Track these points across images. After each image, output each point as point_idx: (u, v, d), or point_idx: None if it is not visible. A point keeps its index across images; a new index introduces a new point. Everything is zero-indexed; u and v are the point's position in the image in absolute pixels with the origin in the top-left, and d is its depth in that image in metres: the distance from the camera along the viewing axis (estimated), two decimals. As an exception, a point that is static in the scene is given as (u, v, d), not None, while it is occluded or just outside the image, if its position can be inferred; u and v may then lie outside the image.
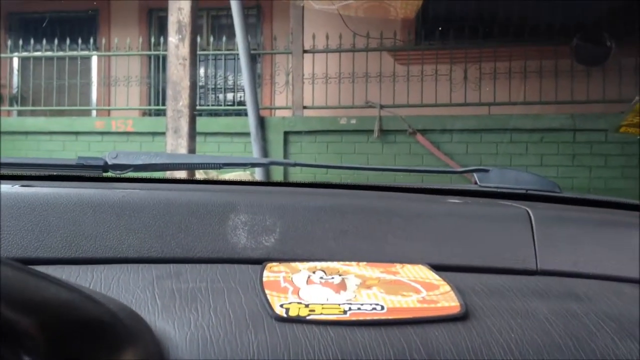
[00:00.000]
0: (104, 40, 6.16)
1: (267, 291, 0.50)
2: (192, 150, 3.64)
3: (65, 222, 0.59)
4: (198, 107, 4.36)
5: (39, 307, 0.31)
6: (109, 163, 0.84)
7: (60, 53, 5.93)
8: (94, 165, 0.84)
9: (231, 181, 0.94)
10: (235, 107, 6.06)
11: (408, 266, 0.58)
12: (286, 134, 5.32)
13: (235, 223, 0.61)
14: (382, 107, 5.25)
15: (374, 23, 5.43)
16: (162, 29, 5.66)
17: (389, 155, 5.18)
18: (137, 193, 0.64)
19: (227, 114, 6.10)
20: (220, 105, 6.26)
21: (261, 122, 5.10)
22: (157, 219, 0.60)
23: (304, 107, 5.55)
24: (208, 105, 6.27)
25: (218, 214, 0.62)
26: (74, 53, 5.94)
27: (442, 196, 0.85)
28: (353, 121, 5.25)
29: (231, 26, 4.85)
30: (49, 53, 5.97)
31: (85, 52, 6.09)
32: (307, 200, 0.68)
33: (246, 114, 5.06)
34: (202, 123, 4.59)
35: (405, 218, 0.65)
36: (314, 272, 0.54)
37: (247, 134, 5.05)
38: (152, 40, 5.92)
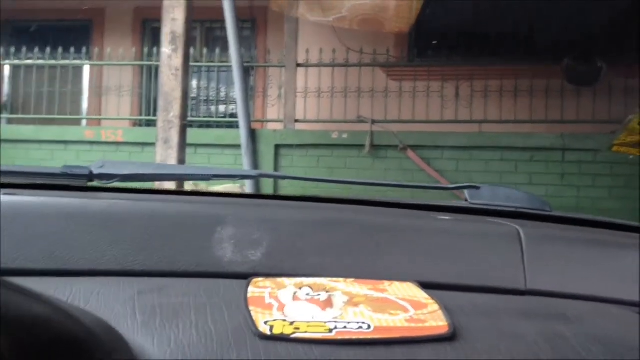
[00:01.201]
0: (96, 50, 6.14)
1: (251, 308, 0.48)
2: (182, 161, 3.61)
3: (46, 232, 0.57)
4: (189, 118, 4.34)
5: (11, 325, 0.30)
6: (95, 172, 0.83)
7: (52, 61, 5.90)
8: (78, 175, 0.83)
9: (218, 193, 0.93)
10: (227, 119, 6.05)
11: (396, 283, 0.57)
12: (277, 147, 5.32)
13: (221, 236, 0.60)
14: (373, 122, 5.27)
15: (367, 39, 5.47)
16: (156, 40, 5.65)
17: (380, 170, 5.18)
18: (121, 203, 0.63)
19: (218, 125, 6.09)
20: (212, 117, 6.25)
21: (252, 135, 5.10)
22: (140, 230, 0.59)
23: (296, 121, 5.55)
24: (200, 117, 6.26)
25: (204, 227, 0.60)
26: (66, 62, 5.92)
27: (432, 213, 0.84)
28: (345, 135, 5.26)
29: (225, 38, 4.86)
30: (40, 61, 5.94)
31: (77, 61, 6.06)
32: (296, 214, 0.67)
33: (238, 126, 5.06)
34: (193, 134, 4.58)
35: (395, 234, 0.65)
36: (300, 288, 0.53)
37: (238, 146, 5.04)
38: (145, 50, 5.91)
